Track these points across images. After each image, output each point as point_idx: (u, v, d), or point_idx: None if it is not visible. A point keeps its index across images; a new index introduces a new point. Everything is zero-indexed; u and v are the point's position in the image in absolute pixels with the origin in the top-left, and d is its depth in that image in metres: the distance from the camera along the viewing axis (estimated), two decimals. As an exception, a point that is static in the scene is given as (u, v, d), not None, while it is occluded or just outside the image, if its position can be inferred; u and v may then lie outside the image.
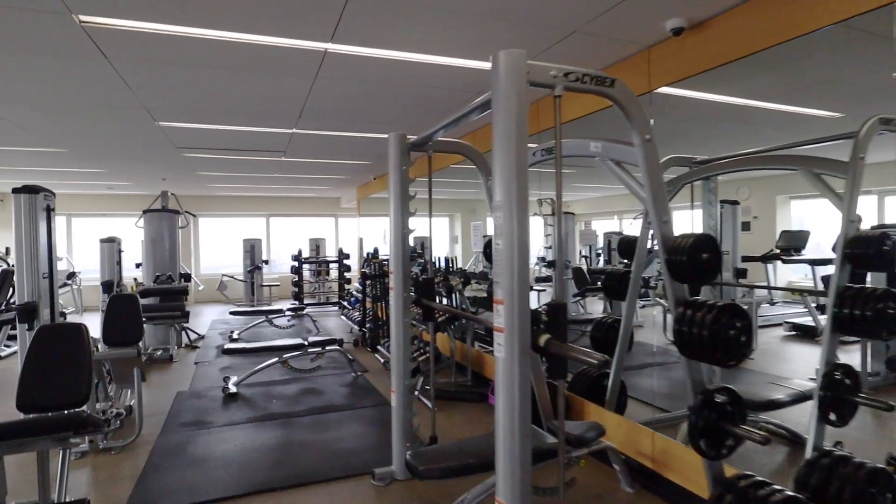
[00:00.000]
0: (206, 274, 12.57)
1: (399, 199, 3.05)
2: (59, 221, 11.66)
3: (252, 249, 11.84)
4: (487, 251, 3.48)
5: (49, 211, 4.12)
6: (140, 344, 4.43)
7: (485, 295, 5.71)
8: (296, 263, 10.17)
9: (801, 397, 3.47)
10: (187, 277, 7.03)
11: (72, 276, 10.31)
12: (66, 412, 2.50)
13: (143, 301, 6.16)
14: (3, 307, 6.57)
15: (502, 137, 1.73)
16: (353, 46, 2.95)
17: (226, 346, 5.17)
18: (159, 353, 6.20)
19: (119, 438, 3.69)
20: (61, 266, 10.85)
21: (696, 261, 1.92)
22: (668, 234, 2.05)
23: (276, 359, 5.16)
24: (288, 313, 7.86)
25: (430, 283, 3.18)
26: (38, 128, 4.91)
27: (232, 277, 11.54)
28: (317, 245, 12.65)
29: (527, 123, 1.74)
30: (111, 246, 5.81)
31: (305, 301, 10.46)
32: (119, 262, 5.99)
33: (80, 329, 2.64)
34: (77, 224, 11.83)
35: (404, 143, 3.06)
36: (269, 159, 6.82)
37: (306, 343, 5.21)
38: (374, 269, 7.01)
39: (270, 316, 7.77)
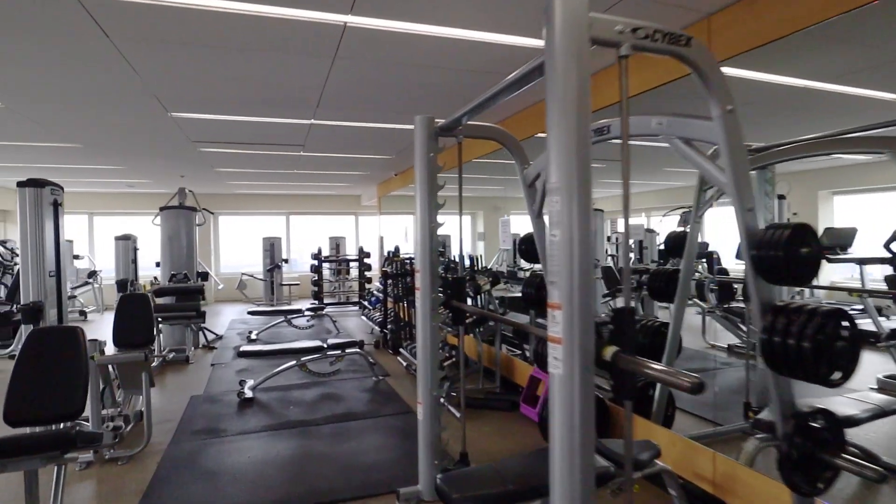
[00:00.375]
0: (226, 273, 12.47)
1: (426, 189, 2.75)
2: (81, 220, 11.66)
3: (272, 248, 11.68)
4: (524, 247, 3.16)
5: (56, 206, 3.93)
6: (154, 346, 4.21)
7: (514, 295, 5.37)
8: (315, 262, 9.97)
9: (880, 413, 3.08)
10: (204, 276, 6.85)
11: (93, 274, 10.27)
12: (59, 426, 2.27)
13: (158, 301, 5.99)
14: (18, 307, 6.45)
15: (559, 105, 1.41)
16: (374, 19, 2.66)
17: (242, 349, 4.92)
18: (172, 354, 6.00)
19: (127, 447, 3.46)
20: (83, 265, 10.83)
21: (793, 257, 1.57)
22: (755, 224, 1.70)
23: (293, 362, 4.91)
24: (307, 314, 7.63)
25: (460, 283, 2.87)
26: (49, 120, 4.74)
27: (252, 276, 11.40)
28: (337, 244, 12.46)
29: (589, 87, 1.42)
30: (126, 244, 5.64)
31: (325, 301, 10.26)
32: (134, 260, 5.81)
33: (76, 333, 2.39)
34: (99, 222, 11.81)
35: (432, 127, 2.76)
36: (288, 154, 6.58)
37: (325, 345, 4.95)
38: (396, 267, 6.73)
39: (289, 316, 7.55)
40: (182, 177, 8.61)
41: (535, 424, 3.83)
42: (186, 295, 5.79)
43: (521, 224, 5.88)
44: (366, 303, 9.38)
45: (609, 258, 9.20)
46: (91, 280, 10.29)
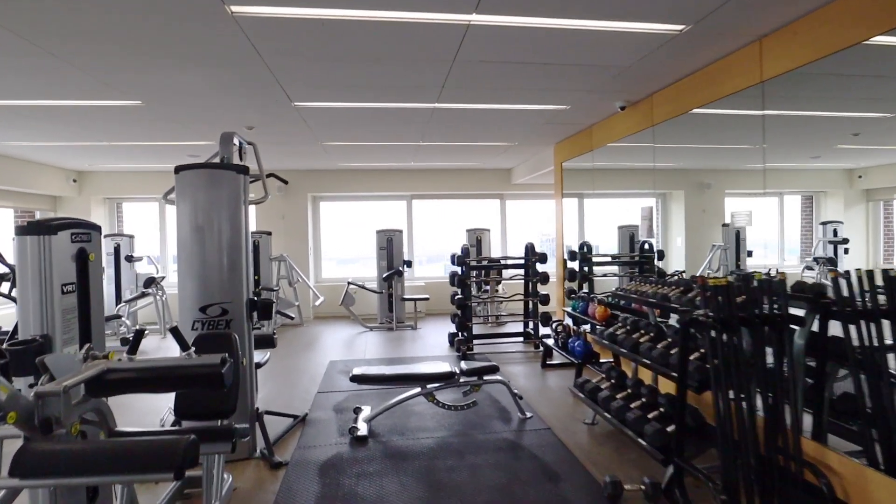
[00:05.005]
0: (328, 280, 9.16)
1: None
2: (151, 208, 8.94)
3: (389, 245, 8.12)
4: None
5: None
6: None
7: None
8: (459, 269, 6.13)
9: None
10: (266, 309, 3.25)
11: (151, 282, 7.34)
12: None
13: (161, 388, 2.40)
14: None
15: None
16: None
17: None
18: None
19: None
20: (141, 268, 8.02)
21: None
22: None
23: None
24: (464, 381, 3.81)
25: None
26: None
27: (361, 286, 7.91)
28: (478, 238, 8.66)
29: None
30: (38, 242, 2.13)
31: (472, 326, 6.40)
32: (79, 287, 2.28)
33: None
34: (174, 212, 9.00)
35: None
36: (430, 60, 2.75)
37: None
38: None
39: (431, 386, 3.76)
40: (250, 129, 5.19)
41: None
42: (186, 382, 2.14)
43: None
44: (550, 341, 5.38)
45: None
46: (150, 290, 7.38)
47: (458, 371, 3.83)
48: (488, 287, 7.78)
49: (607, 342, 3.76)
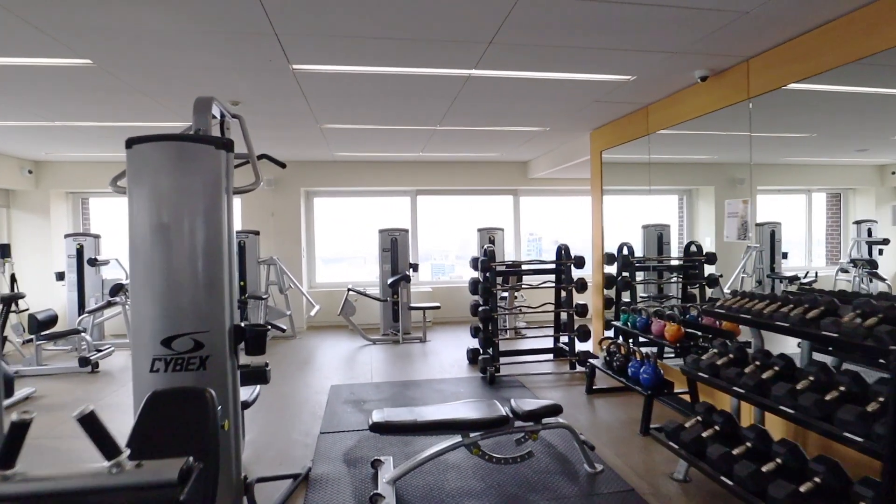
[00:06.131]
0: (324, 285, 8.19)
1: None
2: (122, 204, 7.87)
3: (393, 246, 7.20)
4: None
5: None
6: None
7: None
8: (483, 276, 5.20)
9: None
10: (256, 340, 2.32)
11: (119, 289, 6.33)
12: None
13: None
14: None
15: None
16: None
17: None
18: None
19: None
20: (111, 273, 7.02)
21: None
22: None
23: None
24: (519, 426, 2.90)
25: None
26: None
27: (363, 293, 6.96)
28: (490, 238, 7.76)
29: None
30: None
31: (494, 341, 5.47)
32: None
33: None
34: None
35: None
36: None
37: None
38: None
39: (475, 435, 2.85)
40: (235, 104, 4.23)
41: None
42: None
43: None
44: (596, 361, 4.47)
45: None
46: (118, 298, 6.38)
47: (510, 414, 2.92)
48: (506, 295, 6.89)
49: (708, 376, 2.88)
